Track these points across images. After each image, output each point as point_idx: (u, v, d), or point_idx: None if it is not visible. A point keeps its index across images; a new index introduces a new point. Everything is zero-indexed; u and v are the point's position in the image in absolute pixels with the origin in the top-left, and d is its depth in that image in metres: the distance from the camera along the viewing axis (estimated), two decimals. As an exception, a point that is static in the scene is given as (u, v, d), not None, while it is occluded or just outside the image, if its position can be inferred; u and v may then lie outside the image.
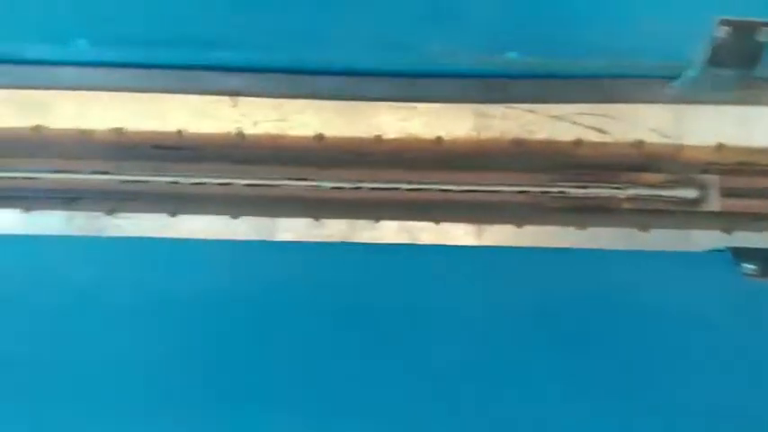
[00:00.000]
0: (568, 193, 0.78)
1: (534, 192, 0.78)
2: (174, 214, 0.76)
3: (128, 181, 0.77)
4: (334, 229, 0.76)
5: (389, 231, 0.76)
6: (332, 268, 0.76)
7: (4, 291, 0.75)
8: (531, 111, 0.78)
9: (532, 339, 0.74)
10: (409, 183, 0.78)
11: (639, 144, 0.78)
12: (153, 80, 0.77)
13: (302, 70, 0.78)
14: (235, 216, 0.76)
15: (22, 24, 0.65)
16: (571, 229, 0.75)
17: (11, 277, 0.77)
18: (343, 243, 0.75)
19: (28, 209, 0.76)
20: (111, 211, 0.76)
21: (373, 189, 0.78)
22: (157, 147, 0.78)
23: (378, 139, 0.78)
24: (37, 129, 0.77)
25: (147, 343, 0.77)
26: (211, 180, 0.78)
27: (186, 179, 0.77)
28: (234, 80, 0.77)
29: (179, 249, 0.75)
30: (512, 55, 0.66)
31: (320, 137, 0.78)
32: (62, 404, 0.73)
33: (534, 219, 0.76)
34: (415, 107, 0.78)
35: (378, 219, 0.76)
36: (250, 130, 0.78)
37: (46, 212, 0.76)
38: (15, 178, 0.77)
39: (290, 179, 0.78)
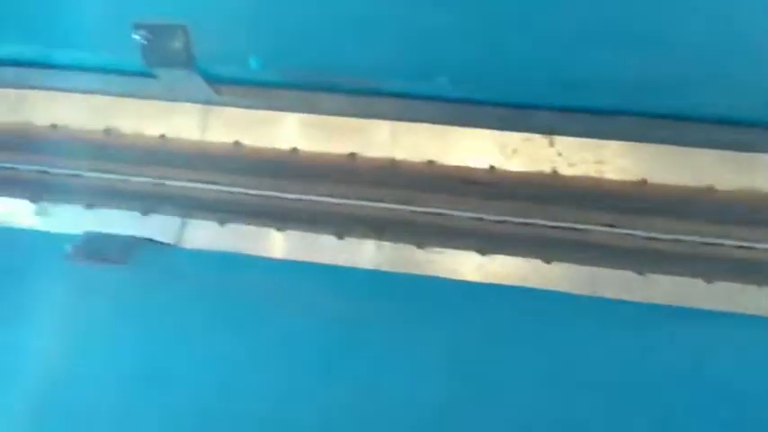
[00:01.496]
0: None
1: None
2: (483, 253, 0.75)
3: (432, 213, 0.77)
4: (660, 288, 0.71)
5: (721, 296, 0.70)
6: (656, 334, 0.70)
7: (308, 317, 0.76)
8: None
9: None
10: (742, 240, 0.71)
11: None
12: (468, 115, 0.75)
13: (624, 111, 0.73)
14: (547, 261, 0.73)
15: (386, 59, 0.66)
16: None
17: (318, 306, 0.77)
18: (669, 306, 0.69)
19: (340, 236, 0.77)
20: (420, 245, 0.75)
21: (700, 244, 0.72)
22: (467, 182, 0.76)
23: (709, 189, 0.71)
24: (352, 156, 0.78)
25: (435, 390, 0.75)
26: (519, 219, 0.75)
27: (493, 216, 0.76)
28: (551, 118, 0.74)
29: (484, 292, 0.73)
30: None
31: (642, 183, 0.73)
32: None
33: None
34: (756, 158, 0.71)
35: (709, 279, 0.70)
36: (566, 170, 0.75)
37: (357, 240, 0.77)
38: (328, 203, 0.78)
39: (605, 225, 0.73)
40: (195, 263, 0.74)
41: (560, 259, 0.73)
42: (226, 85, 0.76)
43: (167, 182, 0.80)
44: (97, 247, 0.71)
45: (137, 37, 0.66)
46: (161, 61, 0.68)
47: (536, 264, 0.73)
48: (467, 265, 0.75)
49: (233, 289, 0.74)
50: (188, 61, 0.67)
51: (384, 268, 0.75)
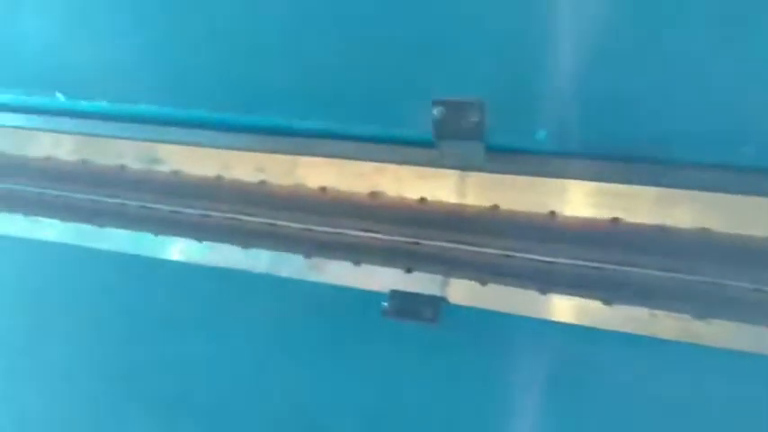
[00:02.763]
0: None
1: None
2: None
3: (705, 282, 0.75)
4: None
5: None
6: None
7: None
8: None
9: None
10: None
11: None
12: (752, 183, 0.73)
13: None
14: None
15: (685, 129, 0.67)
16: None
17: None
18: None
19: (607, 302, 0.78)
20: (699, 316, 0.74)
21: None
22: (745, 251, 0.74)
23: None
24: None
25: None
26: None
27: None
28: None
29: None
30: None
31: None
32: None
33: None
34: None
35: None
36: None
37: (625, 307, 0.77)
38: (591, 267, 0.79)
39: None
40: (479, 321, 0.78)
41: None
42: (498, 152, 0.80)
43: (427, 242, 0.85)
44: (408, 305, 0.76)
45: (434, 113, 0.72)
46: (453, 134, 0.73)
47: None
48: (745, 338, 0.72)
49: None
50: (479, 135, 0.72)
51: (659, 335, 0.74)
